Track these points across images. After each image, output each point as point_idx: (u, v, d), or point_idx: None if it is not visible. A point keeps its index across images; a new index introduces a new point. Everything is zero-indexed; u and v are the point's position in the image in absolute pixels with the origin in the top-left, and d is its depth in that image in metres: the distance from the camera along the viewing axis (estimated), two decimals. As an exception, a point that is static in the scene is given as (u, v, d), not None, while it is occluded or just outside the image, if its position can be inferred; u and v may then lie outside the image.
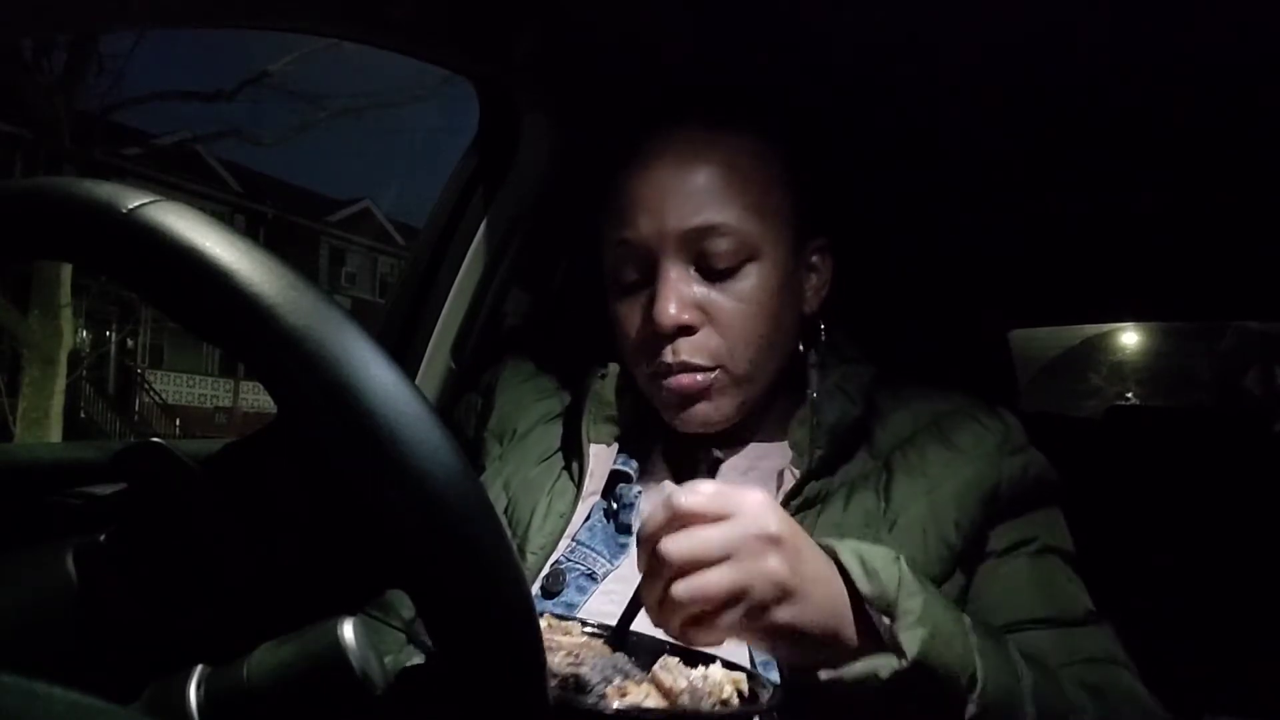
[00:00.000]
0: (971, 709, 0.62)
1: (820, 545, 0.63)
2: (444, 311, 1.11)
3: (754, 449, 0.87)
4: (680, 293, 0.81)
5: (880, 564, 0.62)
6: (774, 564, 0.58)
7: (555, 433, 0.91)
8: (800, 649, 0.61)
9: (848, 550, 0.63)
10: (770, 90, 0.98)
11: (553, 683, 0.55)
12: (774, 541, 0.58)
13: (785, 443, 0.85)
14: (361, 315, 0.40)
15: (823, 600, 0.60)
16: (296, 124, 11.67)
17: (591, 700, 0.54)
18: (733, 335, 0.81)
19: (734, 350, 0.82)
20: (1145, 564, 1.28)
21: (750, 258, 0.82)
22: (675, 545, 0.57)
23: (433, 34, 0.92)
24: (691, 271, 0.82)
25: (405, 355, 1.11)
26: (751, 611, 0.57)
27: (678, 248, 0.81)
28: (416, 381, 1.04)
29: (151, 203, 0.38)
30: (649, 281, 0.83)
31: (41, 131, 8.83)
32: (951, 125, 1.11)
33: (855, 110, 1.08)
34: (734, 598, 0.57)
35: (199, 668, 0.39)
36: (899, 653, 0.60)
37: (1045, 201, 1.28)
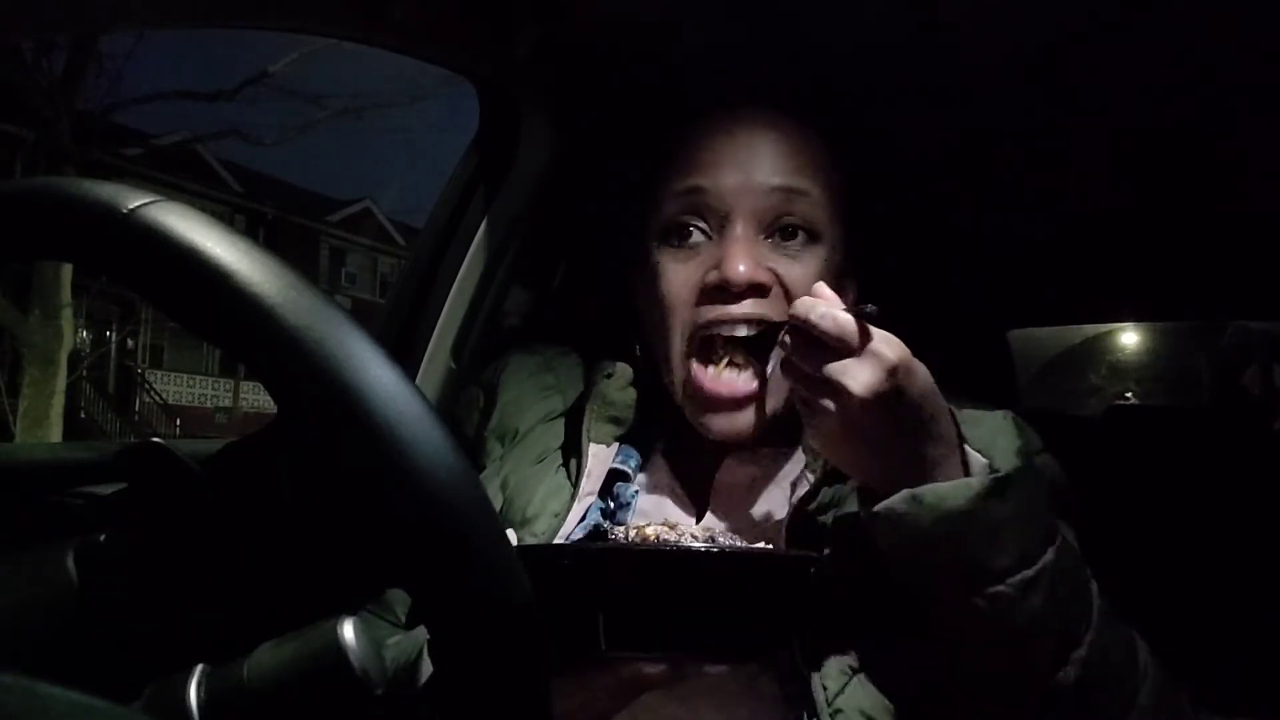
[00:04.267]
0: (1048, 557, 0.62)
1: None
2: (444, 311, 1.11)
3: (766, 454, 0.85)
4: (752, 252, 0.79)
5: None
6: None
7: (555, 432, 0.90)
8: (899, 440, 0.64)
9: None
10: (768, 92, 0.98)
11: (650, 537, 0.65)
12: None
13: (798, 448, 0.83)
14: (361, 315, 0.40)
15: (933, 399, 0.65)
16: (296, 124, 11.67)
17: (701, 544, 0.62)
18: None
19: None
20: (1145, 563, 1.28)
21: (815, 238, 0.82)
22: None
23: (433, 34, 0.92)
24: (761, 238, 0.81)
25: (405, 355, 1.11)
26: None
27: (756, 206, 0.80)
28: (416, 381, 1.04)
29: (152, 203, 0.39)
30: (709, 237, 0.81)
31: (42, 132, 8.83)
32: (951, 126, 1.11)
33: (853, 112, 1.08)
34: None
35: (199, 668, 0.39)
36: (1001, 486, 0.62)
37: (1045, 201, 1.28)
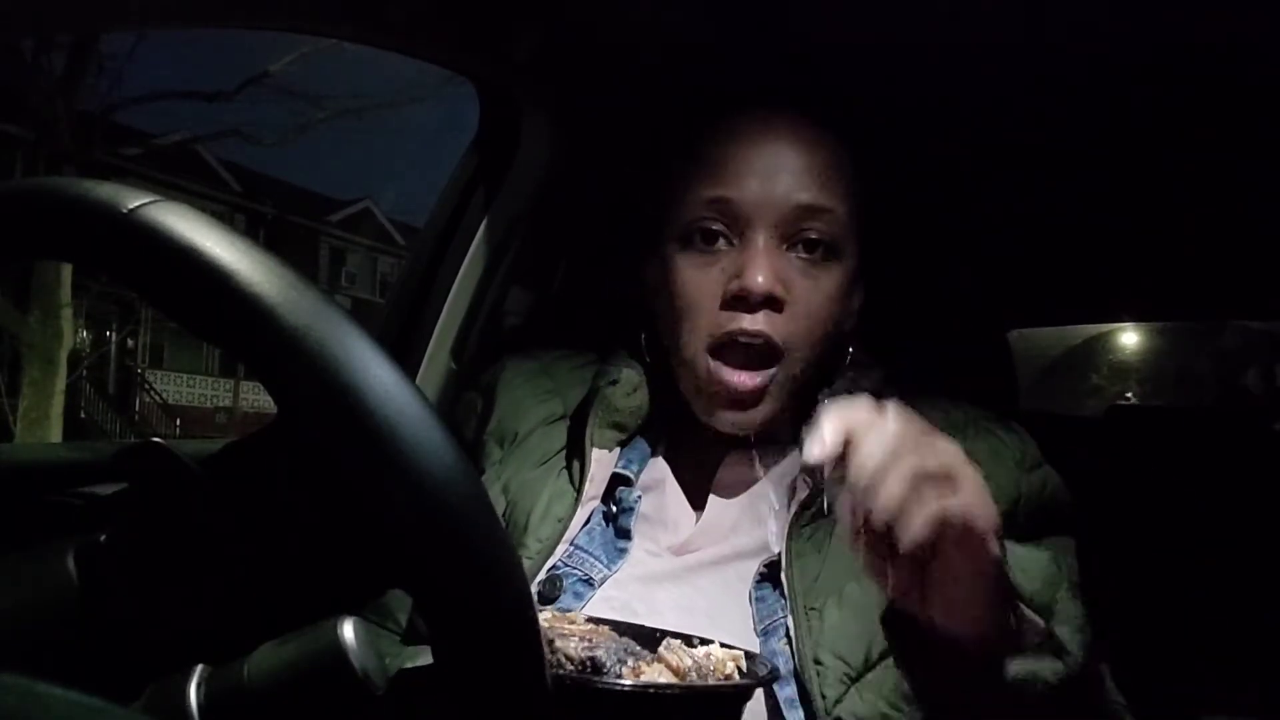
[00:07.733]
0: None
1: None
2: (444, 311, 1.11)
3: (765, 454, 0.85)
4: (772, 264, 0.79)
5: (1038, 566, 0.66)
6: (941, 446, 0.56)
7: (556, 436, 0.90)
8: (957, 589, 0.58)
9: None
10: (769, 93, 0.98)
11: (570, 667, 0.58)
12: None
13: (796, 448, 0.83)
14: (361, 315, 0.40)
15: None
16: (296, 124, 11.66)
17: (610, 680, 0.57)
18: (808, 325, 0.80)
19: (803, 341, 0.80)
20: (1146, 564, 1.28)
21: (835, 255, 0.82)
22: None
23: (433, 34, 0.92)
24: (783, 249, 0.81)
25: (405, 355, 1.11)
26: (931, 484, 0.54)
27: (778, 220, 0.80)
28: (416, 381, 1.04)
29: (152, 203, 0.39)
30: (731, 244, 0.81)
31: (42, 132, 8.83)
32: (951, 126, 1.11)
33: (853, 114, 1.08)
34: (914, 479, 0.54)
35: (199, 668, 0.39)
36: (1057, 652, 0.62)
37: (1045, 201, 1.28)
